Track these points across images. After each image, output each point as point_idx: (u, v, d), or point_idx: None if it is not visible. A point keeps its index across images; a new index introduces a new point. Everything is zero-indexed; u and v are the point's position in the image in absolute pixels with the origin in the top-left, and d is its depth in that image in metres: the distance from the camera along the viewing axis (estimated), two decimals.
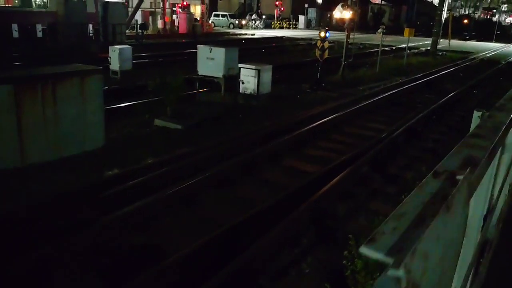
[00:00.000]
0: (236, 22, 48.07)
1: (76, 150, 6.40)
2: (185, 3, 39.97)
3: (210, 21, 49.32)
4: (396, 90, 13.31)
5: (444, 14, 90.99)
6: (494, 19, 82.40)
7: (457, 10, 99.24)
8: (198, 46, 9.59)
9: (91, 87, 6.47)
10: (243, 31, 41.27)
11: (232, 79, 9.53)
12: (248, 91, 10.47)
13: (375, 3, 69.99)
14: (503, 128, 1.86)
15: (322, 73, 13.36)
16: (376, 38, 16.93)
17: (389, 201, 5.53)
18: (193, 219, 4.97)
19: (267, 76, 10.52)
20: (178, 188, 5.33)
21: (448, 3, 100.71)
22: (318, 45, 13.05)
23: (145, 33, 27.06)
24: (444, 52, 26.65)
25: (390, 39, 32.34)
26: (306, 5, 52.47)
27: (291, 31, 45.87)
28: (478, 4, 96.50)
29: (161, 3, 40.66)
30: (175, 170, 5.89)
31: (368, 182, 6.21)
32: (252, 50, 23.88)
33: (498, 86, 15.39)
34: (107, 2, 24.39)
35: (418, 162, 7.09)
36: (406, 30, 19.86)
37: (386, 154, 7.26)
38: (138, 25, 26.45)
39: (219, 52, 9.06)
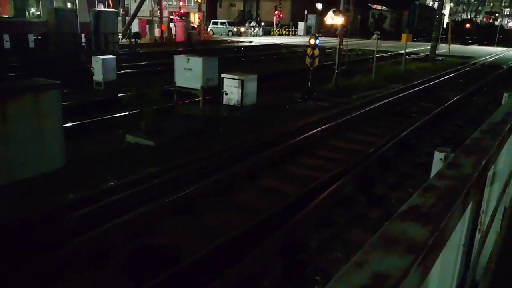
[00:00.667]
0: (235, 29, 47.66)
1: (31, 172, 5.85)
2: (182, 11, 39.71)
3: (209, 29, 49.09)
4: (390, 99, 12.72)
5: (446, 19, 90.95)
6: (497, 23, 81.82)
7: (459, 14, 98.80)
8: (174, 56, 9.06)
9: (47, 104, 5.93)
10: (241, 39, 40.85)
11: (212, 90, 8.98)
12: (232, 102, 9.92)
13: (376, 9, 69.46)
14: (469, 185, 1.28)
15: (313, 82, 12.80)
16: (376, 44, 16.33)
17: (371, 228, 4.93)
18: (146, 254, 4.39)
19: (252, 86, 9.97)
20: (132, 216, 4.76)
21: (450, 7, 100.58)
22: (308, 52, 12.50)
23: (139, 42, 26.63)
24: (444, 58, 26.07)
25: (391, 44, 31.80)
26: (306, 12, 52.06)
27: (290, 38, 45.45)
28: (480, 8, 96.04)
29: (159, 12, 40.49)
30: (135, 195, 5.32)
31: (350, 205, 5.62)
32: (246, 58, 23.40)
33: (499, 92, 14.75)
34: (99, 11, 24.05)
35: (407, 180, 6.50)
36: (404, 36, 19.32)
37: (373, 171, 6.67)
38: (132, 34, 26.04)
39: (197, 62, 8.51)
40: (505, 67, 23.35)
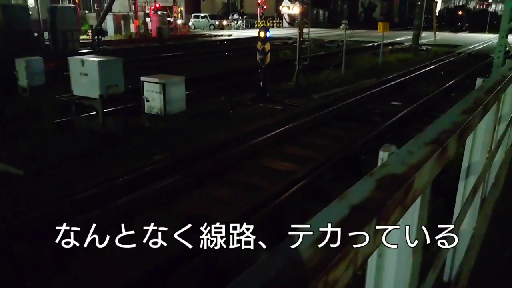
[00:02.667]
0: (217, 23, 45.76)
1: None
2: (158, 5, 37.84)
3: (190, 23, 47.20)
4: (355, 98, 11.07)
5: (439, 6, 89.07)
6: (490, 9, 79.97)
7: (452, 1, 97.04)
8: (69, 58, 7.37)
9: None
10: (220, 32, 39.05)
11: (117, 99, 7.31)
12: (154, 111, 8.28)
13: None
14: None
15: (266, 81, 11.15)
16: (345, 34, 14.64)
17: None
18: None
19: (178, 91, 8.32)
20: None
21: None
22: (258, 47, 10.81)
23: (102, 39, 24.82)
24: (429, 47, 24.37)
25: (378, 34, 30.06)
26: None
27: (274, 30, 43.52)
28: None
29: (133, 6, 38.66)
30: None
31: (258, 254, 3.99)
32: (213, 54, 21.69)
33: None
34: (55, 7, 22.27)
35: None
36: (380, 25, 17.65)
37: (297, 203, 5.05)
38: (94, 31, 24.21)
39: (92, 66, 6.82)
40: (492, 55, 21.66)
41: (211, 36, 35.64)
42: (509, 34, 7.56)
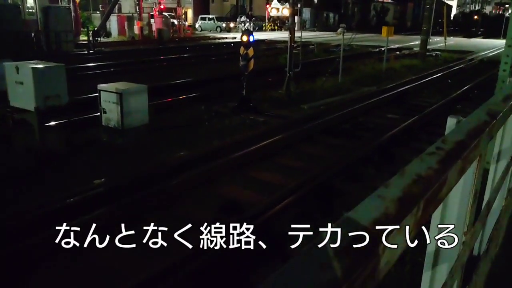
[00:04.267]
0: (224, 25, 44.85)
1: None
2: (162, 7, 37.07)
3: (197, 25, 46.43)
4: (349, 109, 10.02)
5: (454, 10, 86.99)
6: (507, 14, 77.89)
7: (467, 6, 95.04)
8: (4, 64, 6.45)
9: None
10: (226, 35, 38.10)
11: (60, 111, 6.37)
12: (112, 124, 7.33)
13: (378, 1, 66.11)
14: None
15: (249, 89, 10.15)
16: (342, 38, 13.61)
17: None
18: None
19: (138, 101, 7.36)
20: None
21: None
22: (241, 52, 9.83)
23: (99, 40, 24.07)
24: (439, 53, 23.12)
25: (389, 38, 28.81)
26: (299, 5, 49.04)
27: (281, 33, 42.52)
28: None
29: (137, 7, 38.03)
30: None
31: None
32: (209, 57, 20.79)
33: (491, 96, 11.95)
34: (48, 7, 21.54)
35: None
36: (384, 29, 16.54)
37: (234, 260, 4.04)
38: (91, 32, 23.44)
39: (27, 73, 5.90)
40: None
41: (215, 38, 34.76)
42: None
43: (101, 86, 7.32)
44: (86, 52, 22.09)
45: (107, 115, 7.33)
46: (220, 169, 6.11)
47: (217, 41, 32.75)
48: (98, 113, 7.52)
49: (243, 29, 43.99)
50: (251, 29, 45.41)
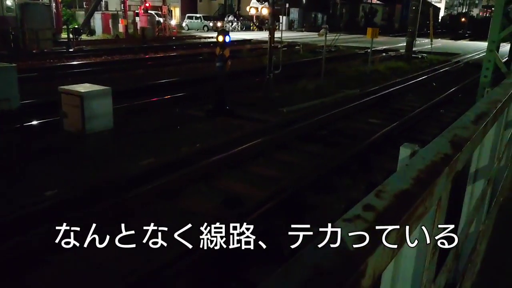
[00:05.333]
0: (211, 24, 44.27)
1: None
2: (147, 5, 36.44)
3: (184, 24, 45.82)
4: (329, 113, 9.65)
5: (442, 12, 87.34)
6: None
7: (455, 8, 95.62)
8: None
9: None
10: (212, 34, 37.51)
11: (11, 115, 5.89)
12: (73, 129, 6.86)
13: (366, 3, 66.04)
14: None
15: (227, 92, 9.74)
16: (325, 39, 13.25)
17: None
18: None
19: (102, 104, 6.91)
20: None
21: (446, 1, 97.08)
22: (217, 53, 9.41)
23: (79, 38, 23.45)
24: (425, 55, 22.92)
25: (378, 40, 28.61)
26: (287, 5, 48.69)
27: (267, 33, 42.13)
28: (477, 1, 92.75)
29: (122, 5, 37.42)
30: None
31: None
32: (192, 57, 20.30)
33: (476, 100, 11.68)
34: (26, 3, 20.85)
35: None
36: (369, 30, 16.23)
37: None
38: (70, 30, 22.81)
39: None
40: None
41: (200, 38, 34.22)
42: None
43: (61, 88, 6.85)
44: (65, 50, 21.47)
45: (68, 119, 6.86)
46: (184, 179, 5.67)
47: (202, 40, 32.24)
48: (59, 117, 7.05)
49: (230, 28, 43.64)
50: (238, 28, 44.91)
